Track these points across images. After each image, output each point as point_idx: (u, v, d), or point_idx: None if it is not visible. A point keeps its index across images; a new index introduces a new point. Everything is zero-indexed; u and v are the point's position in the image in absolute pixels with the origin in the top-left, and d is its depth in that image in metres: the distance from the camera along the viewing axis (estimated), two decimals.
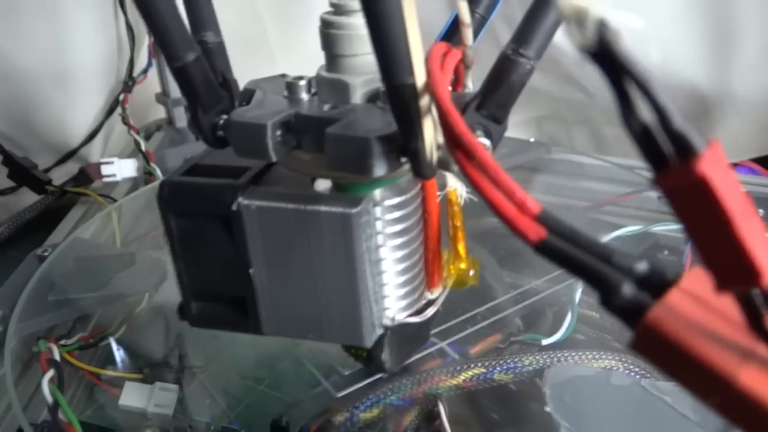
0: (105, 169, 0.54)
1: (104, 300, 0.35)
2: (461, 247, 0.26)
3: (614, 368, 0.29)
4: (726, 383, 0.11)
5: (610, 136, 0.66)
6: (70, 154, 0.64)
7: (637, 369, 0.30)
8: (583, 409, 0.27)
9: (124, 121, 0.59)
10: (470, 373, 0.30)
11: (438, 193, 0.24)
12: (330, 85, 0.21)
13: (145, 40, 0.65)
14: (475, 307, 0.33)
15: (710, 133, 0.65)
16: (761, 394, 0.10)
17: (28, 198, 0.56)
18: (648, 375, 0.29)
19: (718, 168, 0.10)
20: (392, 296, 0.23)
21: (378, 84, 0.21)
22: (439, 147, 0.18)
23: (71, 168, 0.60)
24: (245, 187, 0.21)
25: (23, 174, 0.54)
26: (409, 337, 0.26)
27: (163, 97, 0.66)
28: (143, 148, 0.55)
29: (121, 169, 0.55)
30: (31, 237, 0.50)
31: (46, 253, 0.39)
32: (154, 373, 0.34)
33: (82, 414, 0.33)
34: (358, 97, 0.21)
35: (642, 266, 0.12)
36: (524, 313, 0.34)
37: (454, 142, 0.15)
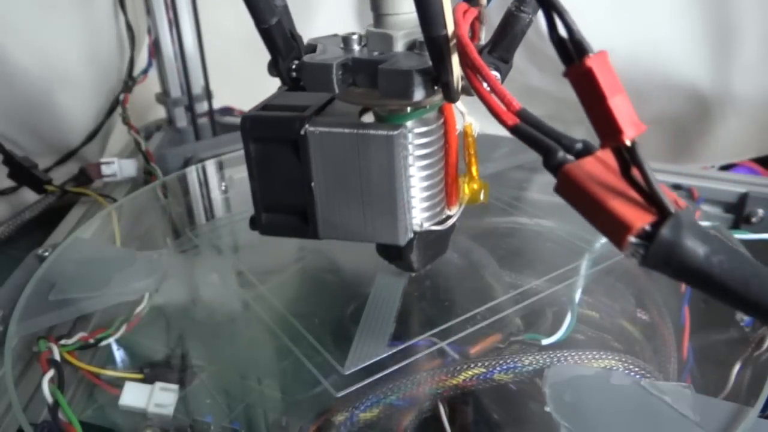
0: (105, 169, 0.54)
1: (104, 300, 0.35)
2: (475, 170, 0.31)
3: (614, 368, 0.29)
4: (602, 207, 0.17)
5: None
6: (70, 154, 0.64)
7: (636, 369, 0.30)
8: (583, 409, 0.27)
9: (124, 121, 0.59)
10: (470, 373, 0.30)
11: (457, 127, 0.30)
12: (378, 37, 0.27)
13: (145, 40, 0.65)
14: (475, 307, 0.33)
15: (710, 134, 0.65)
16: (619, 211, 0.16)
17: (28, 198, 0.56)
18: (648, 375, 0.29)
19: (600, 64, 0.16)
20: (419, 207, 0.29)
21: (414, 36, 0.27)
22: (462, 78, 0.24)
23: (71, 168, 0.60)
24: (310, 117, 0.27)
25: (23, 174, 0.54)
26: (432, 243, 0.31)
27: (163, 97, 0.66)
28: (143, 148, 0.55)
29: (121, 169, 0.55)
30: (31, 237, 0.50)
31: (46, 253, 0.39)
32: (154, 373, 0.34)
33: (82, 414, 0.33)
34: (399, 46, 0.27)
35: (579, 145, 0.19)
36: (524, 313, 0.34)
37: (468, 64, 0.22)
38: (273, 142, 0.27)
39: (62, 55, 0.61)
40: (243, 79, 0.76)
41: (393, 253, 0.32)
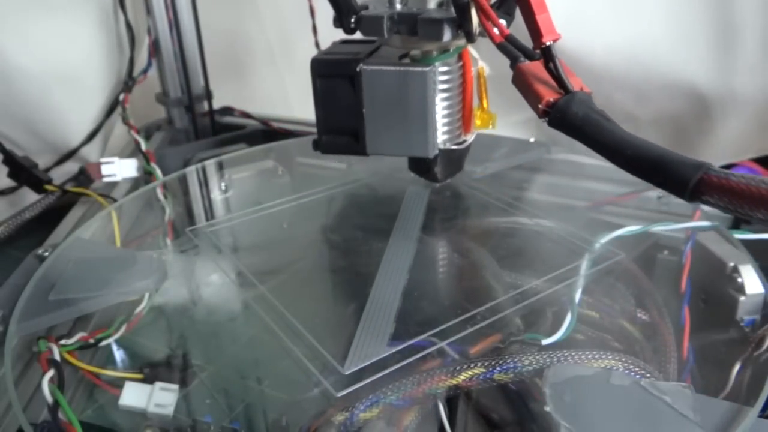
0: (105, 169, 0.54)
1: (104, 300, 0.35)
2: (485, 103, 0.40)
3: (614, 368, 0.29)
4: (531, 89, 0.26)
5: None
6: (70, 154, 0.64)
7: (637, 369, 0.30)
8: (583, 409, 0.27)
9: (124, 121, 0.59)
10: (470, 373, 0.30)
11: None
12: None
13: (145, 40, 0.65)
14: (475, 307, 0.33)
15: (710, 133, 0.65)
16: (539, 91, 0.26)
17: (28, 198, 0.56)
18: (648, 375, 0.29)
19: None
20: (442, 130, 0.38)
21: None
22: (479, 25, 0.32)
23: (71, 168, 0.60)
24: (364, 58, 0.36)
25: (23, 173, 0.54)
26: (452, 160, 0.41)
27: (163, 97, 0.66)
28: (143, 148, 0.55)
29: (121, 169, 0.55)
30: (31, 237, 0.50)
31: (46, 253, 0.39)
32: (154, 373, 0.34)
33: (82, 414, 0.33)
34: (432, 4, 0.36)
35: (537, 54, 0.26)
36: (524, 313, 0.34)
37: (481, 11, 0.29)
38: (335, 78, 0.36)
39: (62, 55, 0.61)
40: (243, 79, 0.76)
41: (422, 167, 0.41)
